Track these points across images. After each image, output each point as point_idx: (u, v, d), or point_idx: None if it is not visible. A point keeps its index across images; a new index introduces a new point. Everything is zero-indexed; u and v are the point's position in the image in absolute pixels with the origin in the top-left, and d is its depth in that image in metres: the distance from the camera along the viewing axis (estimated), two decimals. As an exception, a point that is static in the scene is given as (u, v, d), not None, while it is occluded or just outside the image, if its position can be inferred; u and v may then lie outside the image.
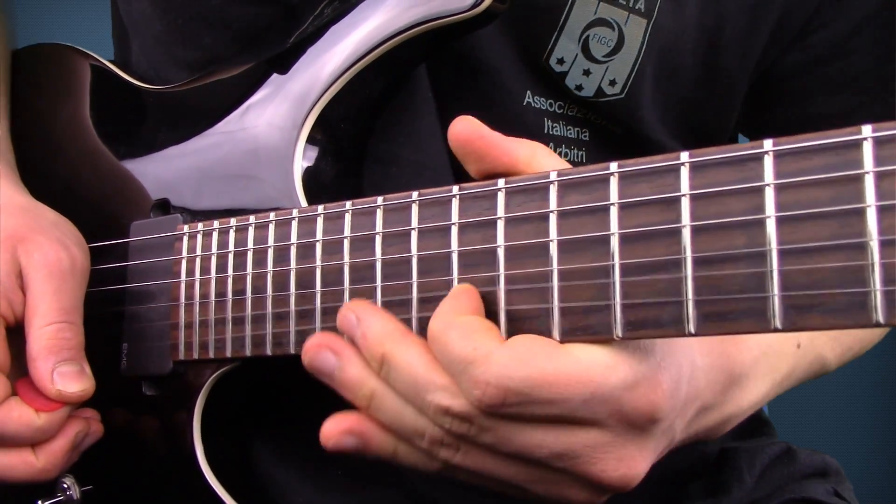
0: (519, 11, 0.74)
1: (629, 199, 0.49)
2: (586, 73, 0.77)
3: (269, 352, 0.64)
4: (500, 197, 0.54)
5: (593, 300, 0.49)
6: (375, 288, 0.58)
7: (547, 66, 0.77)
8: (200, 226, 0.70)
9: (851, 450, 1.72)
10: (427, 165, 0.74)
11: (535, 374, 0.49)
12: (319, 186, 0.70)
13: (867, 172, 0.41)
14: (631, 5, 0.76)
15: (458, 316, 0.52)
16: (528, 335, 0.51)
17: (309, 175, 0.69)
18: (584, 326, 0.50)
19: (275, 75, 0.73)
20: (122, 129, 0.83)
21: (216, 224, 0.69)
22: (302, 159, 0.69)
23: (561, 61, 0.76)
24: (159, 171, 0.78)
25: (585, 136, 0.80)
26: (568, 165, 0.55)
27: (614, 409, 0.49)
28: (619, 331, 0.48)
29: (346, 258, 0.60)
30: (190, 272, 0.70)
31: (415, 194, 0.57)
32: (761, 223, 0.44)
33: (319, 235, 0.62)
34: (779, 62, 0.84)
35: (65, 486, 0.73)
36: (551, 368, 0.49)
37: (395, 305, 0.57)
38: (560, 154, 0.79)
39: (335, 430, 0.55)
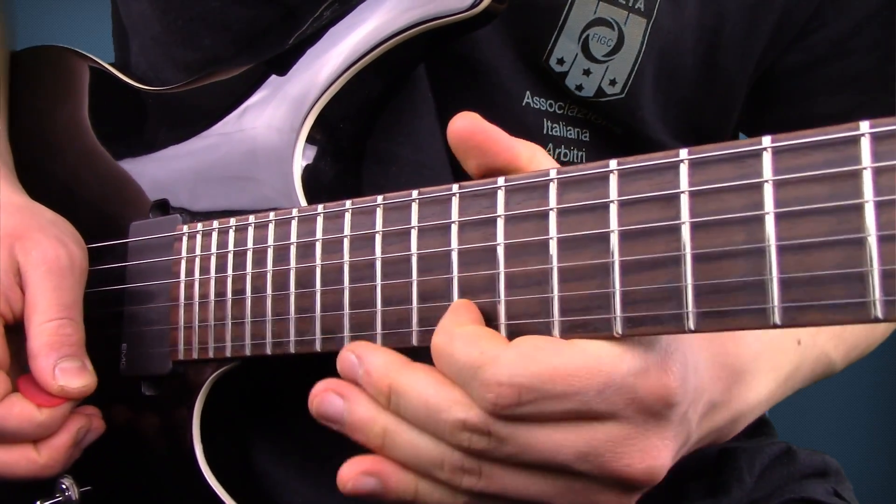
0: (518, 11, 0.74)
1: (629, 197, 0.49)
2: (586, 72, 0.77)
3: (268, 351, 0.64)
4: (500, 195, 0.54)
5: (593, 297, 0.49)
6: (375, 287, 0.58)
7: (547, 66, 0.77)
8: (200, 226, 0.70)
9: (851, 450, 1.72)
10: (426, 165, 0.74)
11: (546, 369, 0.48)
12: (319, 186, 0.69)
13: (865, 168, 0.41)
14: (630, 5, 0.76)
15: (459, 327, 0.52)
16: (532, 336, 0.51)
17: (308, 175, 0.69)
18: (584, 324, 0.50)
19: (273, 77, 0.73)
20: (121, 130, 0.83)
21: (216, 224, 0.69)
22: (301, 159, 0.69)
23: (561, 61, 0.76)
24: (158, 171, 0.77)
25: (586, 137, 0.80)
26: None
27: (630, 398, 0.49)
28: (618, 328, 0.49)
29: (346, 257, 0.60)
30: (189, 272, 0.70)
31: (415, 193, 0.57)
32: (760, 219, 0.44)
33: (319, 235, 0.62)
34: (779, 62, 0.84)
35: (63, 486, 0.73)
36: (561, 362, 0.49)
37: (395, 304, 0.57)
38: (560, 155, 0.79)
39: (352, 472, 0.54)
